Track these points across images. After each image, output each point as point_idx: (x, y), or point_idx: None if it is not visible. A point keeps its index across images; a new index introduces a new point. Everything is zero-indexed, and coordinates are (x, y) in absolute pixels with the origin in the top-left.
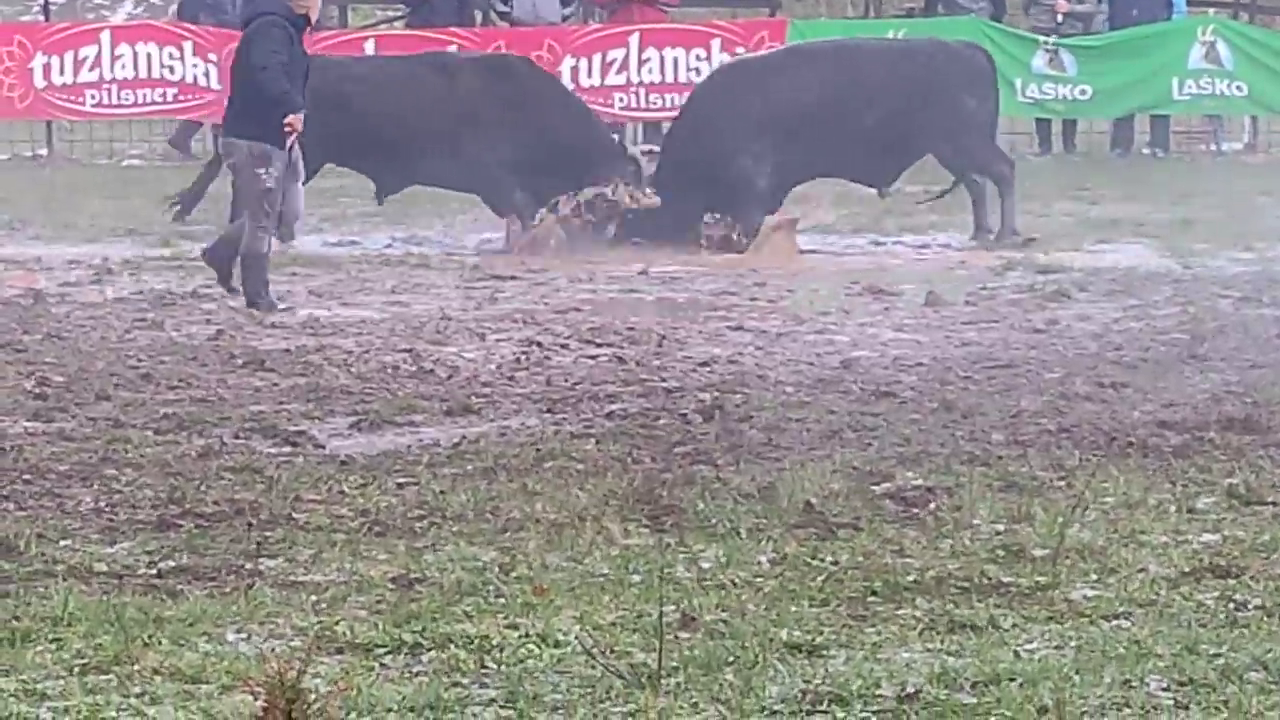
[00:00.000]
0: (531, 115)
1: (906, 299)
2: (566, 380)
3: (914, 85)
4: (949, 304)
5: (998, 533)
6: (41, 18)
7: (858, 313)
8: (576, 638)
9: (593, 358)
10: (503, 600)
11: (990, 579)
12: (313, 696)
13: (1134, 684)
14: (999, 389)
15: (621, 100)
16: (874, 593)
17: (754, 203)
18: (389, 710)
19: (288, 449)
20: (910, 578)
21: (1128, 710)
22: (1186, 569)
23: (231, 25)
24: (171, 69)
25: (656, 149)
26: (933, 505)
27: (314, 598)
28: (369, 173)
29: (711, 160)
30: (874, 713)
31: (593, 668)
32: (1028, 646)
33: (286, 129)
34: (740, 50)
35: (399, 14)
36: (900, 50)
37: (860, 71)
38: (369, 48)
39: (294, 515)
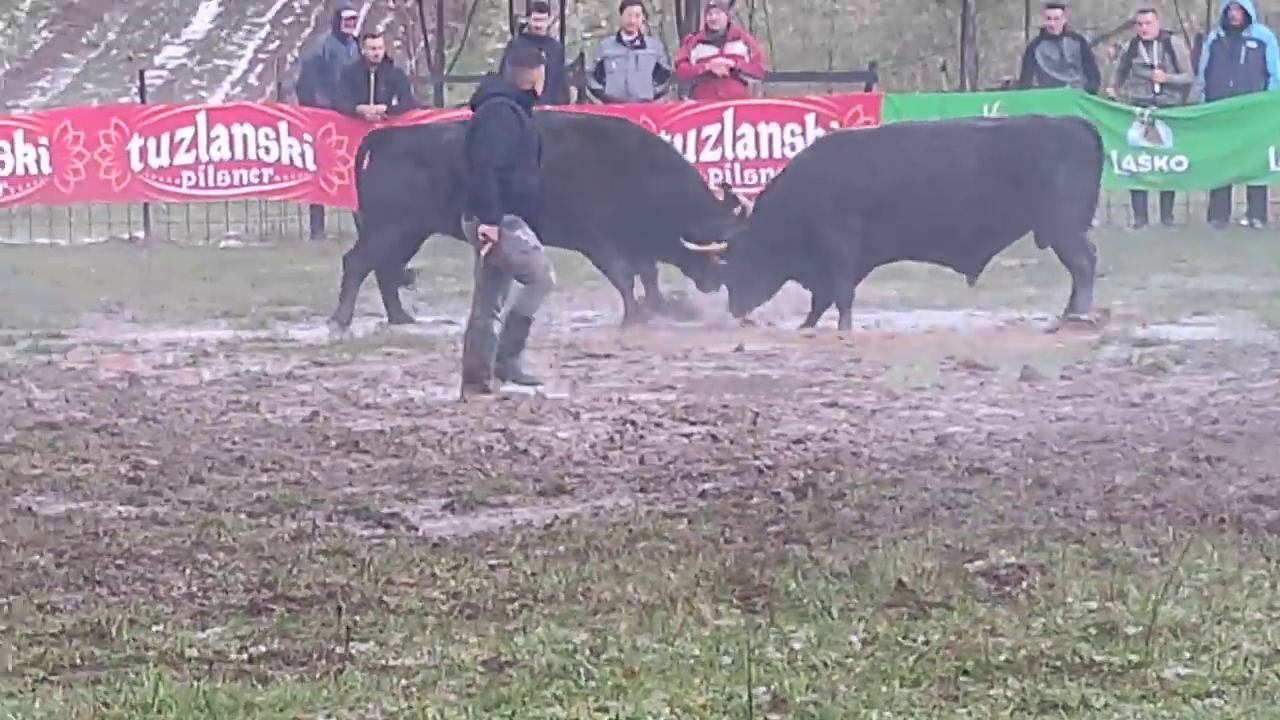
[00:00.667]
0: (634, 175)
1: (1002, 374)
2: (660, 459)
3: (1016, 166)
4: (1044, 379)
5: (1090, 610)
6: (138, 100)
7: (953, 388)
8: None
9: (687, 436)
10: (593, 683)
11: (1082, 658)
12: None
13: None
14: (1093, 464)
15: (717, 176)
16: (965, 672)
17: (841, 277)
18: None
19: (380, 531)
20: (1002, 657)
21: None
22: None
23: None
24: (267, 149)
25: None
26: (1025, 583)
27: (404, 682)
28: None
29: (800, 231)
30: None
31: None
32: None
33: (483, 240)
34: (835, 125)
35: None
36: (1003, 129)
37: (959, 151)
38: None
39: (385, 598)
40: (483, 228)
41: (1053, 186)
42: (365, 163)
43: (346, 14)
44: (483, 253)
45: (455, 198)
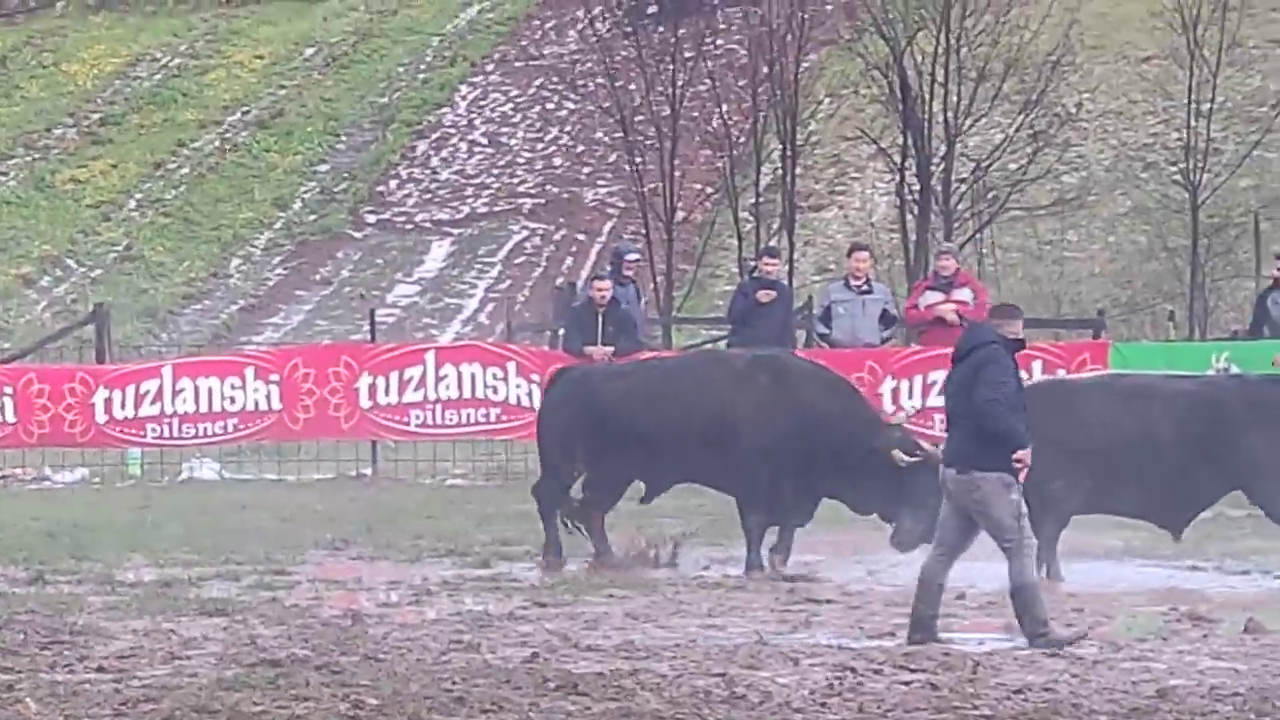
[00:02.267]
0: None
1: (1226, 626)
2: (879, 707)
3: (1217, 428)
4: (1269, 632)
5: None
6: (368, 337)
7: (1176, 640)
8: None
9: (906, 684)
10: None
11: None
12: None
13: None
14: None
15: (944, 423)
16: None
17: (1050, 524)
18: None
19: None
20: None
21: None
22: None
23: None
24: (495, 389)
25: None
26: None
27: None
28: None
29: None
30: None
31: None
32: None
33: (1017, 464)
34: (1062, 373)
35: (723, 334)
36: (1206, 389)
37: (1165, 409)
38: None
39: None
40: (1018, 454)
41: (1253, 444)
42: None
43: (629, 258)
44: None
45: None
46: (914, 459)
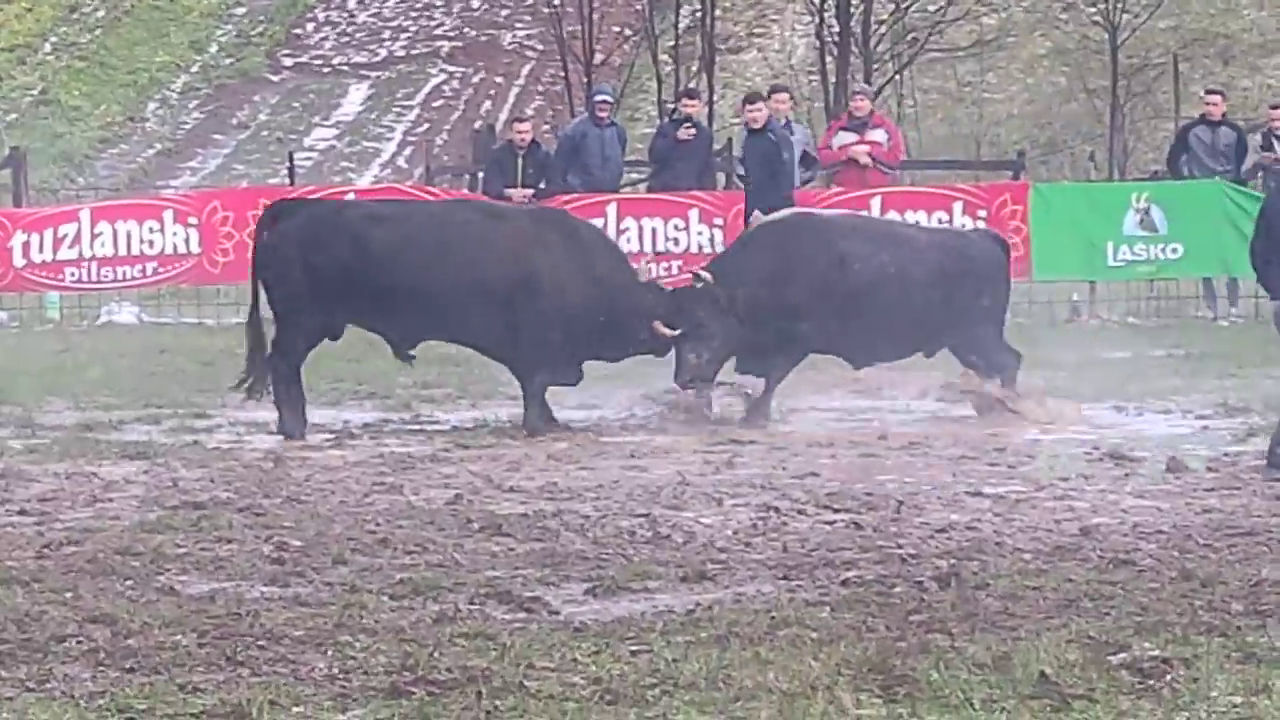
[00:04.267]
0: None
1: (1148, 465)
2: (803, 546)
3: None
4: (1190, 470)
5: (1235, 705)
6: (287, 181)
7: (1098, 479)
8: None
9: (829, 524)
10: None
11: None
12: None
13: None
14: (1239, 557)
15: None
16: None
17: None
18: None
19: (522, 615)
20: None
21: None
22: None
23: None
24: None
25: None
26: (1169, 676)
27: None
28: None
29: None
30: None
31: None
32: None
33: None
34: (982, 214)
35: (642, 176)
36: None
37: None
38: (610, 210)
39: (526, 683)
40: None
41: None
42: None
43: (599, 98)
44: None
45: None
46: (676, 331)
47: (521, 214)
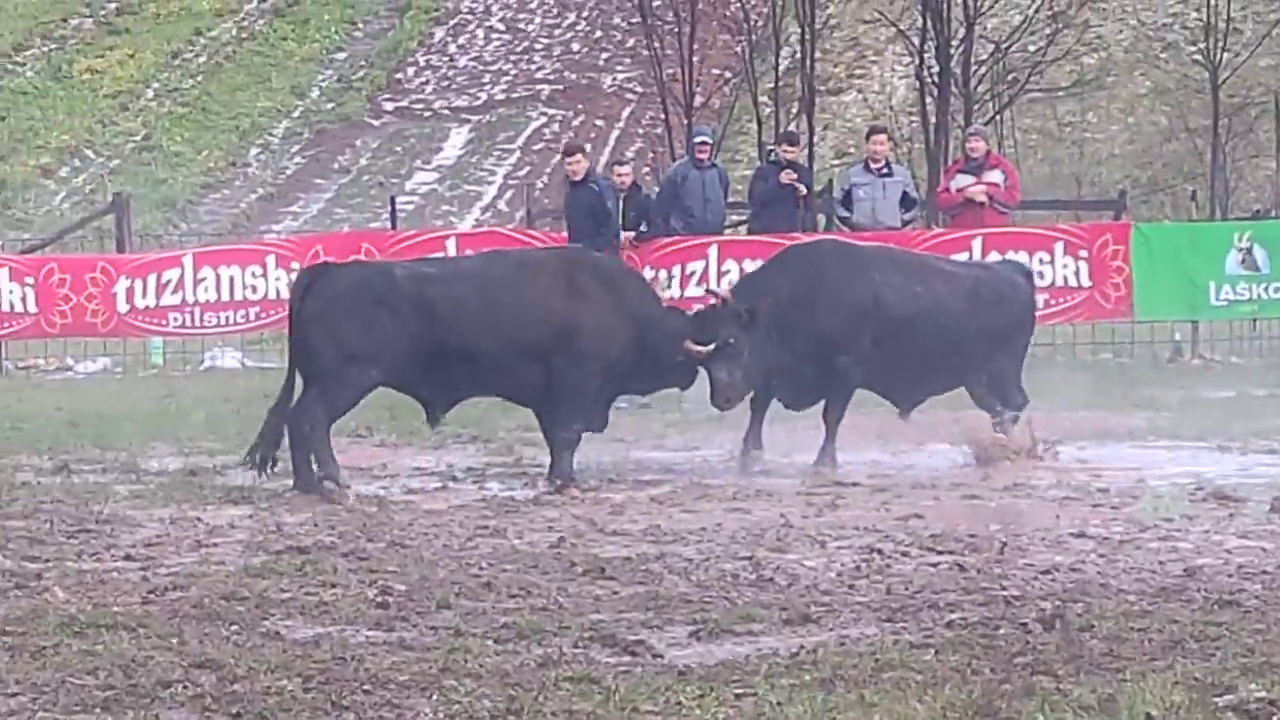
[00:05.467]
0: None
1: (1252, 506)
2: (906, 589)
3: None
4: None
5: None
6: (389, 225)
7: (1202, 519)
8: None
9: (933, 565)
10: None
11: None
12: None
13: None
14: None
15: None
16: None
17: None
18: None
19: (626, 659)
20: None
21: None
22: None
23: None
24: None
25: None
26: (1276, 718)
27: None
28: None
29: None
30: None
31: None
32: None
33: None
34: (1083, 254)
35: (742, 218)
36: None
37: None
38: (711, 252)
39: None
40: None
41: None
42: None
43: (699, 140)
44: None
45: None
46: (708, 348)
47: (552, 258)
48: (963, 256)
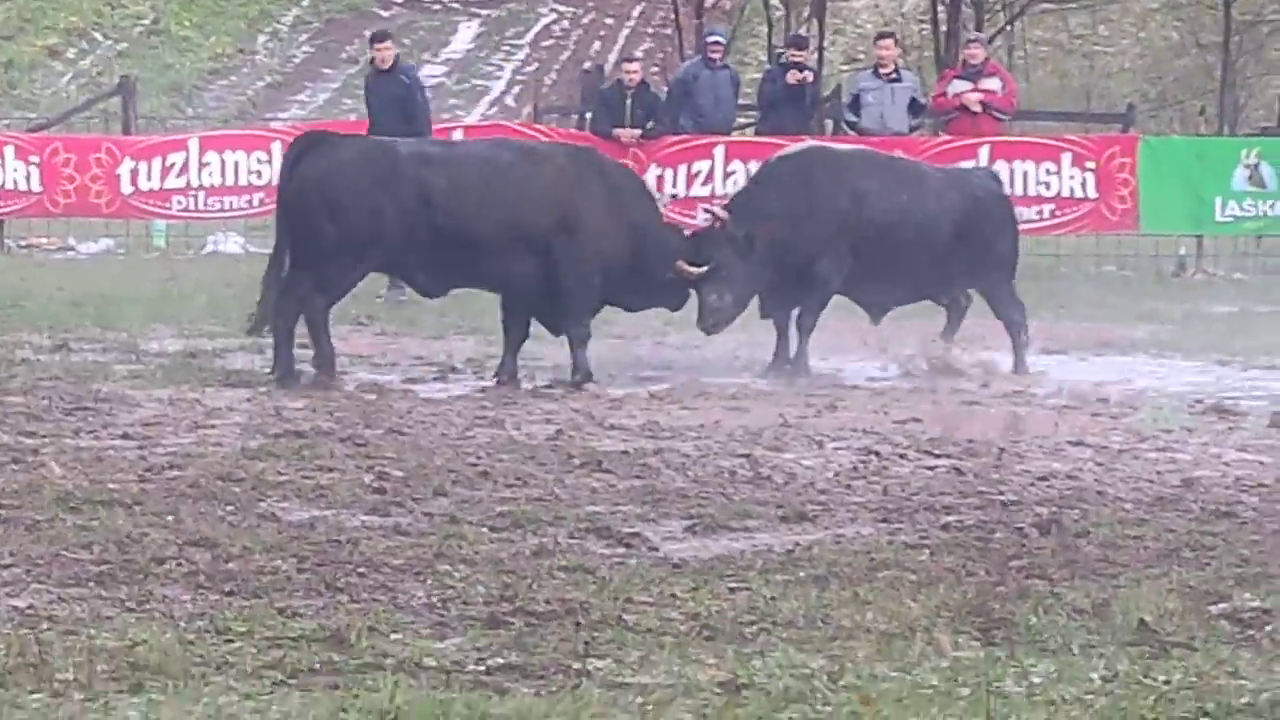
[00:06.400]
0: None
1: (1251, 420)
2: (903, 490)
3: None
4: None
5: None
6: None
7: (1201, 431)
8: None
9: (930, 469)
10: (829, 708)
11: None
12: None
13: None
14: None
15: None
16: (1206, 714)
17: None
18: None
19: (621, 550)
20: (1244, 699)
21: None
22: None
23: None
24: None
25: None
26: (1269, 627)
27: (640, 699)
28: None
29: None
30: None
31: None
32: None
33: None
34: (1091, 165)
35: (749, 120)
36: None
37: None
38: (717, 153)
39: (624, 617)
40: None
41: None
42: None
43: (712, 40)
44: None
45: None
46: (700, 270)
47: (558, 152)
48: (971, 164)
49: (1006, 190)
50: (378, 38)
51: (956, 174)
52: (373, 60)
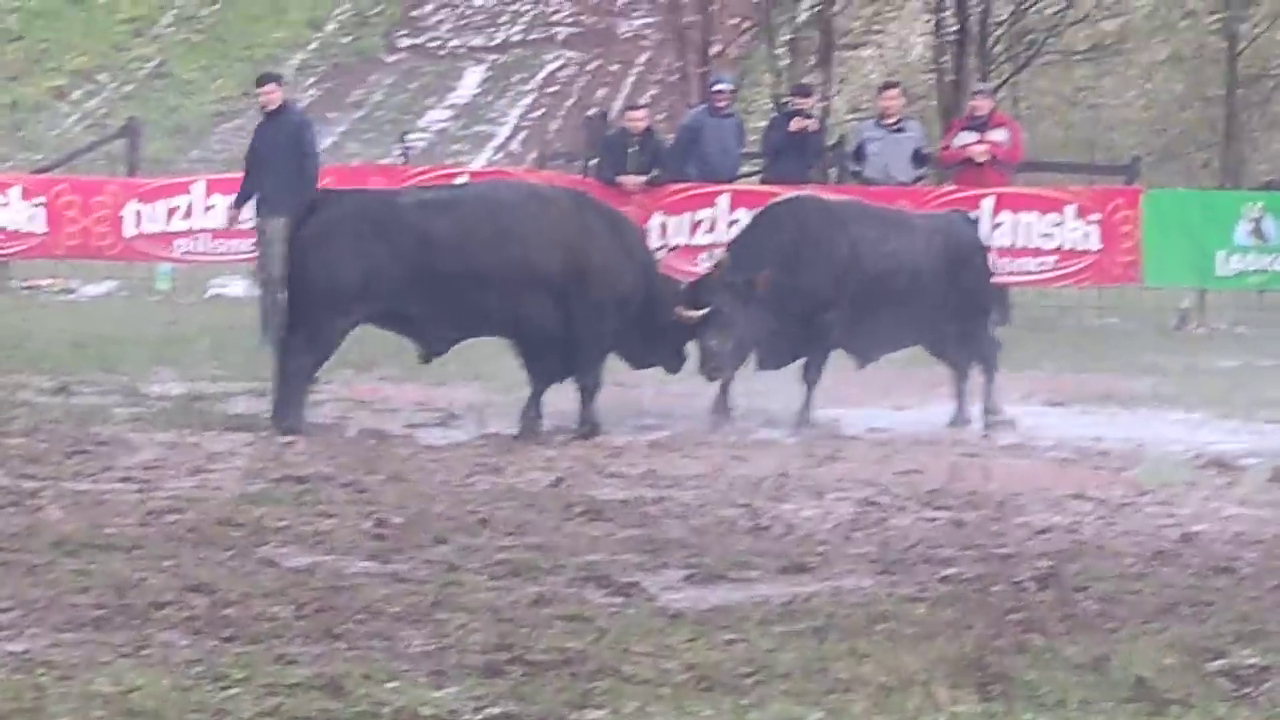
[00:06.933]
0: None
1: (1251, 474)
2: (902, 542)
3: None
4: None
5: None
6: (401, 161)
7: (1201, 486)
8: None
9: (930, 520)
10: None
11: None
12: None
13: None
14: None
15: None
16: None
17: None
18: None
19: (619, 599)
20: None
21: None
22: None
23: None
24: None
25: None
26: (1267, 684)
27: None
28: None
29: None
30: None
31: None
32: None
33: None
34: (1095, 217)
35: (755, 169)
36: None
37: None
38: (722, 201)
39: (622, 667)
40: None
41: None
42: None
43: (718, 88)
44: None
45: None
46: (699, 313)
47: (563, 196)
48: (974, 215)
49: (983, 233)
50: (262, 80)
51: (938, 219)
52: (261, 107)
